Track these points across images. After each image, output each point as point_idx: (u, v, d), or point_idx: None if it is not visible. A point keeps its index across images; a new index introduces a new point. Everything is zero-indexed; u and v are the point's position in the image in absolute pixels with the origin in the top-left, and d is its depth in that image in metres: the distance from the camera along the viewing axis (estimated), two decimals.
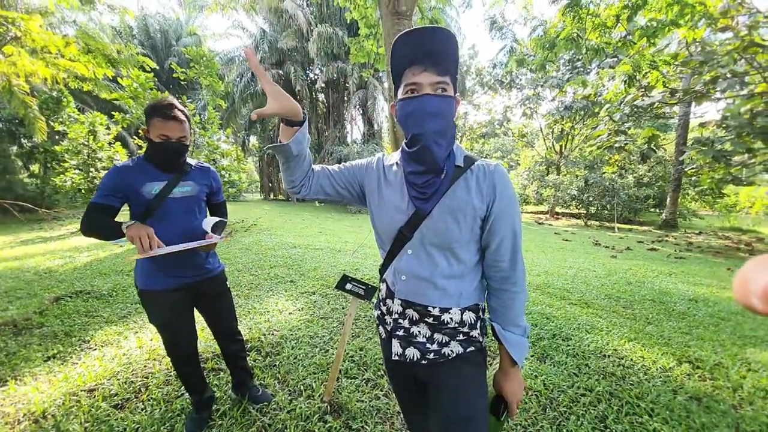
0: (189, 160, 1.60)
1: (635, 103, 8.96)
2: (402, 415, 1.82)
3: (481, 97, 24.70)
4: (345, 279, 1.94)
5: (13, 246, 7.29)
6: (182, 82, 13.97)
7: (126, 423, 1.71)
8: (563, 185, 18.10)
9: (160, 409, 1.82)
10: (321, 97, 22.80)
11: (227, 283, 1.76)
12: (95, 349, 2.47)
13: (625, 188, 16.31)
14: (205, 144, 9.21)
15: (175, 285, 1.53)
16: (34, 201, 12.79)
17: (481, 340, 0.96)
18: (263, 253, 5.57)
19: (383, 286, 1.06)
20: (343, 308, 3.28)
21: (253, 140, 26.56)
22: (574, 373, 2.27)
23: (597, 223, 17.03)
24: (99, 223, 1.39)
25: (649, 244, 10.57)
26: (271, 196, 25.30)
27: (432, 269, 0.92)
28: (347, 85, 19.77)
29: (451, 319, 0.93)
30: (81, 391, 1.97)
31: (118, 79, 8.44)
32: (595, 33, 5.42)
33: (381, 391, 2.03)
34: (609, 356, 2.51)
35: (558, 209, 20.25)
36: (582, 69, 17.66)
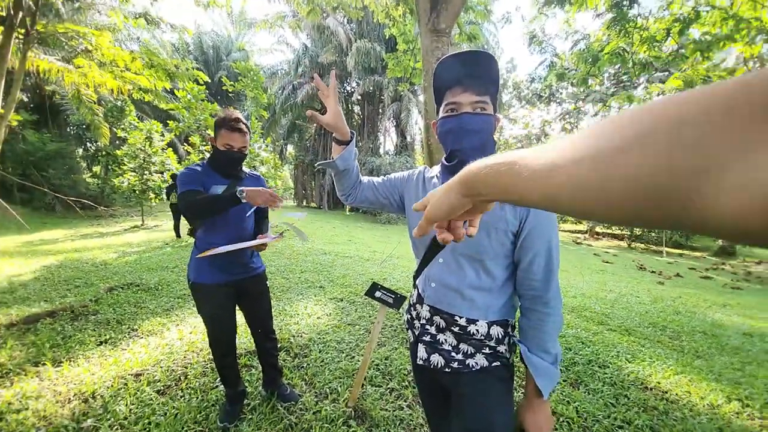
0: (243, 168, 1.77)
1: None
2: (426, 426, 1.81)
3: (518, 111, 24.23)
4: (375, 287, 1.98)
5: (73, 239, 8.07)
6: (230, 94, 14.94)
7: (167, 408, 1.83)
8: None
9: (197, 398, 1.94)
10: (356, 109, 23.44)
11: (267, 283, 1.88)
12: (142, 338, 2.68)
13: None
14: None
15: (224, 280, 1.66)
16: (95, 199, 14.06)
17: (507, 356, 0.95)
18: (294, 258, 5.76)
19: (415, 292, 1.10)
20: (369, 316, 3.32)
21: (290, 149, 27.68)
22: (611, 402, 2.13)
23: (642, 245, 15.94)
24: (204, 199, 1.50)
25: (703, 271, 9.73)
26: (304, 203, 26.10)
27: (461, 279, 0.94)
28: (382, 98, 20.21)
29: (477, 330, 0.93)
30: (128, 375, 2.14)
31: (174, 91, 9.22)
32: (643, 46, 5.19)
33: (405, 401, 2.03)
34: (651, 389, 2.33)
35: (598, 229, 19.19)
36: (629, 83, 16.86)
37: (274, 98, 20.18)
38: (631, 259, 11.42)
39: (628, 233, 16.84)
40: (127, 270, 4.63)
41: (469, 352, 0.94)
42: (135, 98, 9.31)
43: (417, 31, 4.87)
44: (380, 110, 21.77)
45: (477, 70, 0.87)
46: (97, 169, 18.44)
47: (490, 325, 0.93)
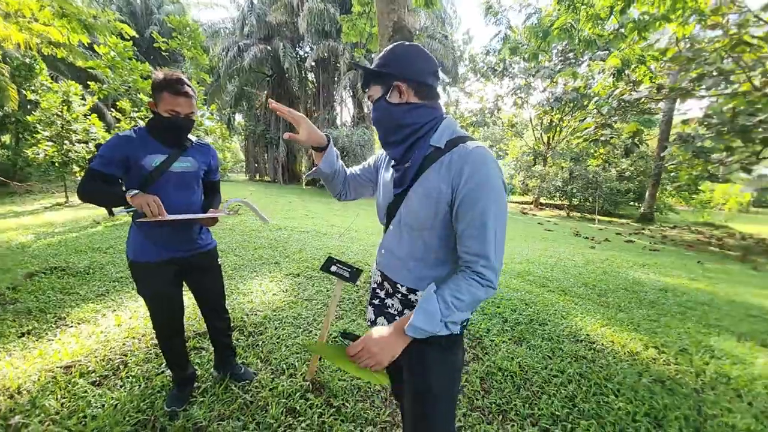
0: (189, 135, 1.58)
1: (623, 97, 9.06)
2: (383, 391, 1.89)
3: (473, 84, 24.51)
4: (330, 261, 1.94)
5: None
6: (164, 53, 13.31)
7: (104, 399, 1.70)
8: (549, 176, 18.43)
9: (140, 386, 1.81)
10: (311, 76, 22.18)
11: (219, 260, 1.77)
12: (71, 327, 2.42)
13: (607, 181, 16.74)
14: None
15: (167, 257, 1.53)
16: (6, 173, 12.15)
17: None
18: (248, 234, 5.51)
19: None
20: (327, 290, 3.30)
21: (239, 118, 25.75)
22: (548, 355, 2.37)
23: (579, 214, 17.48)
24: (100, 190, 1.41)
25: (627, 236, 10.96)
26: (257, 177, 24.81)
27: (402, 248, 0.96)
28: (338, 65, 19.27)
29: (416, 300, 0.95)
30: (57, 367, 1.93)
31: (95, 47, 7.97)
32: (588, 23, 5.41)
33: None
34: (582, 341, 2.62)
35: (542, 200, 20.66)
36: (574, 61, 17.70)
37: (217, 60, 18.37)
38: (569, 227, 12.51)
39: (567, 203, 18.34)
40: (50, 253, 4.11)
41: None
42: (46, 54, 7.93)
43: None
44: (336, 78, 20.81)
45: (362, 71, 0.99)
46: (6, 138, 15.78)
47: None
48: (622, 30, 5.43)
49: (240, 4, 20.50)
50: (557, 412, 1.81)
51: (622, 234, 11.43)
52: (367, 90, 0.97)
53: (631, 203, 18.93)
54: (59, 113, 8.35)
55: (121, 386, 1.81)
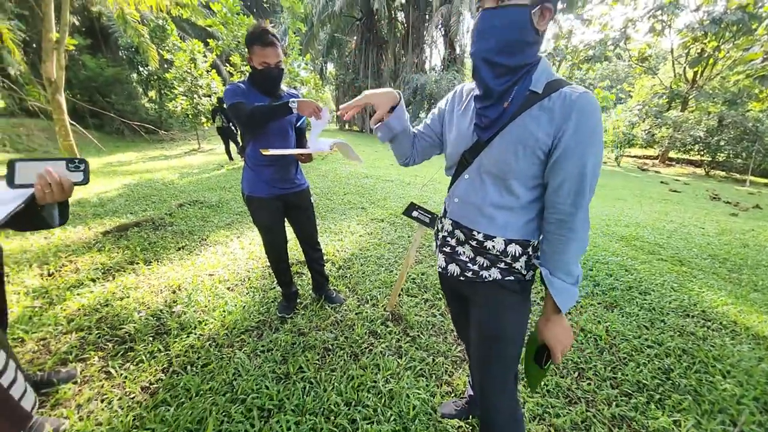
0: (282, 86, 1.77)
1: None
2: (455, 332, 2.01)
3: (594, 9, 20.00)
4: (412, 206, 2.03)
5: (144, 161, 8.94)
6: (265, 4, 14.02)
7: (236, 300, 2.21)
8: (687, 124, 14.75)
9: (259, 295, 2.29)
10: (400, 16, 20.98)
11: (312, 198, 2.02)
12: (210, 246, 3.09)
13: None
14: (285, 71, 9.49)
15: (273, 194, 1.81)
16: (154, 124, 15.01)
17: (524, 272, 0.95)
18: (338, 181, 5.95)
19: (443, 206, 1.13)
20: (408, 236, 3.47)
21: (330, 68, 26.34)
22: (644, 325, 2.16)
23: (723, 173, 14.02)
24: (260, 110, 1.51)
25: None
26: (346, 127, 25.76)
27: (482, 196, 0.92)
28: (430, 0, 17.72)
29: (493, 246, 0.93)
30: (204, 274, 2.54)
31: (210, 5, 8.81)
32: None
33: (438, 310, 2.22)
34: (693, 316, 2.30)
35: (672, 154, 16.94)
36: None
37: (310, 8, 18.59)
38: (705, 188, 10.23)
39: (709, 159, 14.68)
40: (191, 189, 5.14)
41: (484, 265, 0.96)
42: (173, 15, 9.11)
43: None
44: (427, 16, 19.30)
45: None
46: (152, 93, 19.25)
47: (507, 242, 0.92)
48: None
49: None
50: (645, 381, 1.69)
51: None
52: None
53: None
54: (188, 70, 9.75)
55: (246, 293, 2.32)
